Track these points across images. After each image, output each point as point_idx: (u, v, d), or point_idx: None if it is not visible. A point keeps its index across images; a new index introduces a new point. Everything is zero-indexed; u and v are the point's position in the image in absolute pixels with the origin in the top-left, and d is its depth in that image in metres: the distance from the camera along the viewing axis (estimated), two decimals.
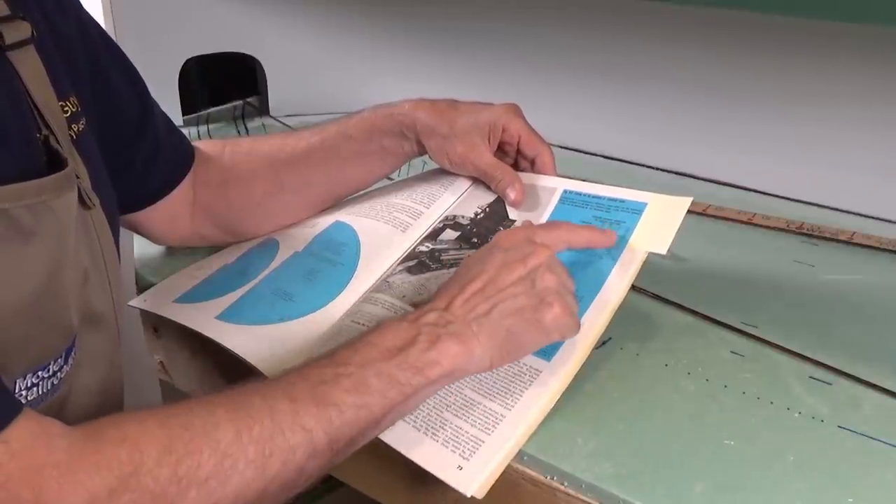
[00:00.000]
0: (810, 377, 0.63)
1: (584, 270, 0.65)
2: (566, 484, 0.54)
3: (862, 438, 0.56)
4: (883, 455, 0.55)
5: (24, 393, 0.49)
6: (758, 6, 0.83)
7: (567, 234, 0.63)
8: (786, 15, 0.85)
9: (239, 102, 1.29)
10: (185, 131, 0.80)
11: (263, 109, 1.29)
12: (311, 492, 1.12)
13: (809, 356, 0.65)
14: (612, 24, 1.08)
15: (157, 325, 0.80)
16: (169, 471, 0.44)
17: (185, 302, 0.74)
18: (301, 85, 1.28)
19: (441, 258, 0.71)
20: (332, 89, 1.26)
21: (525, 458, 0.55)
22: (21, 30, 0.53)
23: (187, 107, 1.21)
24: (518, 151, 0.75)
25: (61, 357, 0.52)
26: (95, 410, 0.57)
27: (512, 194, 0.73)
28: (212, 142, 0.83)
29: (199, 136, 1.20)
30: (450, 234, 0.73)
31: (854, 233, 0.87)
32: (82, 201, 0.55)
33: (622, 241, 0.66)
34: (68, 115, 0.57)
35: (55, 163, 0.52)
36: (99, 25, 0.68)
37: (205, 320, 0.70)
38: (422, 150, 0.76)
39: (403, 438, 0.56)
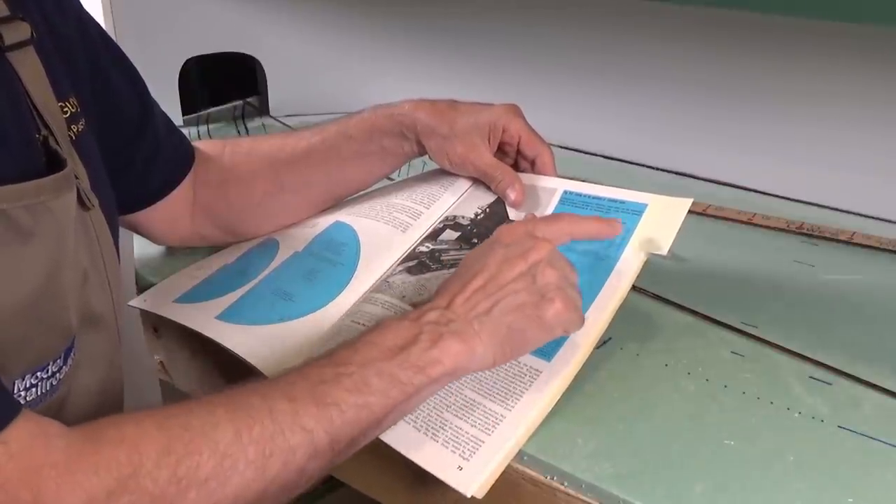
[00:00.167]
0: (810, 377, 0.63)
1: (584, 271, 0.65)
2: (566, 484, 0.54)
3: (862, 438, 0.56)
4: (883, 455, 0.55)
5: (22, 394, 0.49)
6: (758, 6, 0.83)
7: (569, 226, 0.62)
8: (786, 15, 0.85)
9: (239, 102, 1.29)
10: (185, 131, 0.80)
11: (263, 109, 1.29)
12: (311, 492, 1.12)
13: (809, 356, 0.65)
14: (612, 24, 1.08)
15: (157, 325, 0.80)
16: (168, 472, 0.44)
17: (185, 302, 0.74)
18: (301, 85, 1.28)
19: (441, 258, 0.71)
20: (332, 89, 1.26)
21: (525, 458, 0.55)
22: (20, 31, 0.53)
23: (187, 107, 1.21)
24: (518, 152, 0.75)
25: (60, 358, 0.52)
26: (95, 411, 0.57)
27: (512, 195, 0.73)
28: (212, 142, 0.83)
29: (199, 136, 1.20)
30: (450, 235, 0.73)
31: (854, 233, 0.87)
32: (81, 202, 0.55)
33: (623, 242, 0.66)
34: (67, 115, 0.57)
35: (54, 163, 0.52)
36: (99, 25, 0.68)
37: (205, 320, 0.70)
38: (422, 151, 0.76)
39: (404, 438, 0.56)
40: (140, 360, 0.81)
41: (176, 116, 1.17)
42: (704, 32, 1.00)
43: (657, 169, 1.07)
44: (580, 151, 1.13)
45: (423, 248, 0.72)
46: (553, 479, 0.54)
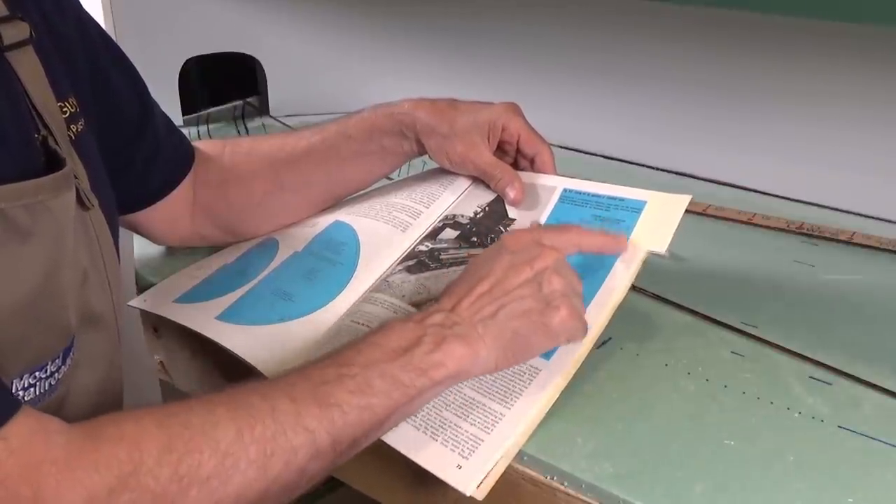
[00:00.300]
0: (810, 377, 0.63)
1: (583, 269, 0.65)
2: (566, 484, 0.54)
3: (862, 438, 0.56)
4: (883, 455, 0.55)
5: (21, 393, 0.49)
6: (758, 6, 0.83)
7: (577, 238, 0.62)
8: (786, 15, 0.85)
9: (239, 102, 1.29)
10: (185, 131, 0.80)
11: (263, 109, 1.29)
12: (311, 492, 1.12)
13: (809, 356, 0.65)
14: (612, 24, 1.08)
15: (157, 325, 0.80)
16: (169, 470, 0.44)
17: (184, 302, 0.74)
18: (301, 85, 1.28)
19: (440, 257, 0.71)
20: (332, 89, 1.26)
21: (525, 458, 0.55)
22: (19, 30, 0.53)
23: (187, 107, 1.21)
24: (518, 150, 0.75)
25: (59, 357, 0.51)
26: (94, 411, 0.57)
27: (511, 193, 0.73)
28: (212, 142, 0.83)
29: (199, 136, 1.20)
30: (449, 234, 0.73)
31: (854, 233, 0.87)
32: (81, 202, 0.55)
33: None
34: (67, 115, 0.57)
35: (53, 163, 0.52)
36: (98, 25, 0.68)
37: (204, 320, 0.70)
38: (422, 150, 0.76)
39: (403, 438, 0.56)
40: (140, 360, 0.80)
41: (176, 116, 1.17)
42: (704, 32, 1.00)
43: (657, 169, 1.07)
44: (580, 151, 1.13)
45: (422, 248, 0.72)
46: (553, 479, 0.54)
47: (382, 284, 0.69)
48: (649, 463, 0.54)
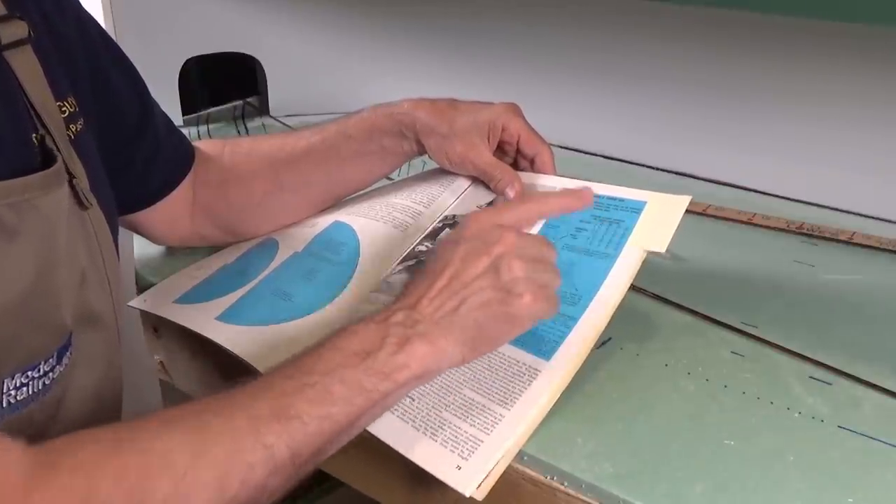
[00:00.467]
0: (810, 377, 0.63)
1: (582, 269, 0.65)
2: (566, 484, 0.54)
3: (862, 438, 0.56)
4: (883, 455, 0.55)
5: (13, 393, 0.49)
6: (758, 6, 0.83)
7: (537, 207, 0.61)
8: (786, 15, 0.85)
9: (239, 102, 1.30)
10: (185, 131, 0.80)
11: (263, 109, 1.29)
12: (310, 492, 1.12)
13: (809, 356, 0.65)
14: (612, 24, 1.08)
15: (157, 325, 0.80)
16: (125, 496, 0.43)
17: (184, 302, 0.74)
18: (301, 85, 1.28)
19: None
20: (332, 89, 1.26)
21: (525, 458, 0.55)
22: (17, 29, 0.53)
23: (187, 107, 1.21)
24: (518, 151, 0.75)
25: (52, 357, 0.51)
26: (92, 411, 0.57)
27: (511, 193, 0.72)
28: (212, 142, 0.83)
29: (199, 136, 1.20)
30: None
31: (854, 233, 0.87)
32: (79, 201, 0.55)
33: (622, 240, 0.66)
34: (66, 115, 0.57)
35: (49, 162, 0.52)
36: (98, 25, 0.68)
37: (204, 321, 0.70)
38: (421, 150, 0.76)
39: (402, 438, 0.56)
40: (140, 360, 0.81)
41: (176, 116, 1.17)
42: (704, 32, 1.00)
43: (657, 169, 1.07)
44: (580, 151, 1.13)
45: (422, 248, 0.72)
46: (553, 479, 0.54)
47: (382, 285, 0.69)
48: (649, 463, 0.54)
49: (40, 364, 0.50)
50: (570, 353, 0.60)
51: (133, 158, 0.71)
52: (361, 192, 0.82)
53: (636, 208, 0.67)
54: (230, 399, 0.50)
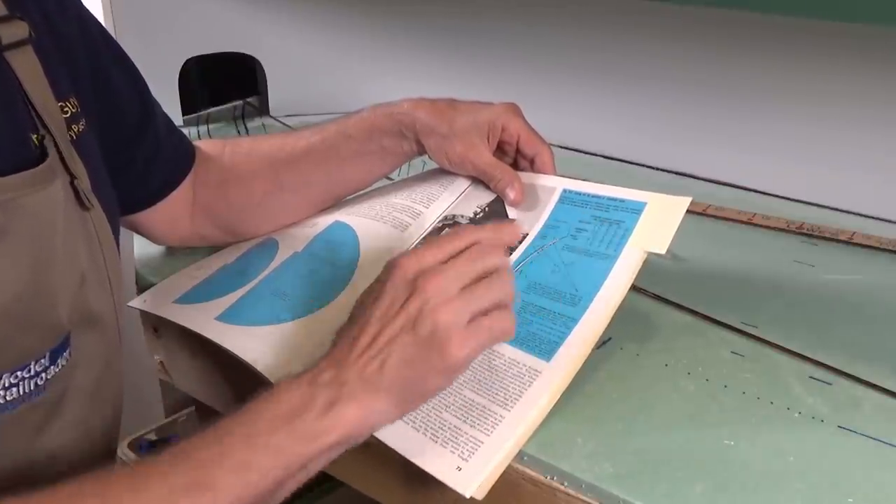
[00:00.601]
0: (810, 377, 0.63)
1: (582, 270, 0.65)
2: (566, 484, 0.54)
3: (862, 438, 0.56)
4: (883, 455, 0.55)
5: (2, 393, 0.49)
6: (758, 6, 0.83)
7: (461, 242, 0.56)
8: (786, 15, 0.85)
9: (239, 102, 1.30)
10: (185, 131, 0.79)
11: (263, 109, 1.29)
12: (310, 492, 1.12)
13: (809, 356, 0.65)
14: (612, 24, 1.08)
15: (157, 325, 0.80)
16: None
17: (184, 302, 0.74)
18: (301, 85, 1.28)
19: None
20: (332, 89, 1.26)
21: (525, 458, 0.55)
22: (18, 30, 0.53)
23: (187, 107, 1.21)
24: (517, 151, 0.75)
25: (45, 358, 0.51)
26: (91, 411, 0.57)
27: (511, 194, 0.73)
28: (212, 141, 0.83)
29: (199, 136, 1.20)
30: None
31: (854, 233, 0.87)
32: (81, 202, 0.55)
33: (622, 241, 0.66)
34: (68, 115, 0.57)
35: (44, 161, 0.52)
36: (99, 23, 0.68)
37: (204, 321, 0.70)
38: (421, 150, 0.76)
39: (402, 439, 0.56)
40: (140, 360, 0.81)
41: (176, 116, 1.17)
42: (704, 32, 1.00)
43: (657, 169, 1.07)
44: (580, 151, 1.13)
45: None
46: (553, 479, 0.54)
47: None
48: (649, 463, 0.54)
49: (31, 365, 0.50)
50: (570, 355, 0.60)
51: (134, 158, 0.71)
52: (361, 192, 0.82)
53: (636, 209, 0.67)
54: (147, 471, 0.48)
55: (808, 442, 0.56)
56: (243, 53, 1.25)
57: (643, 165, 1.09)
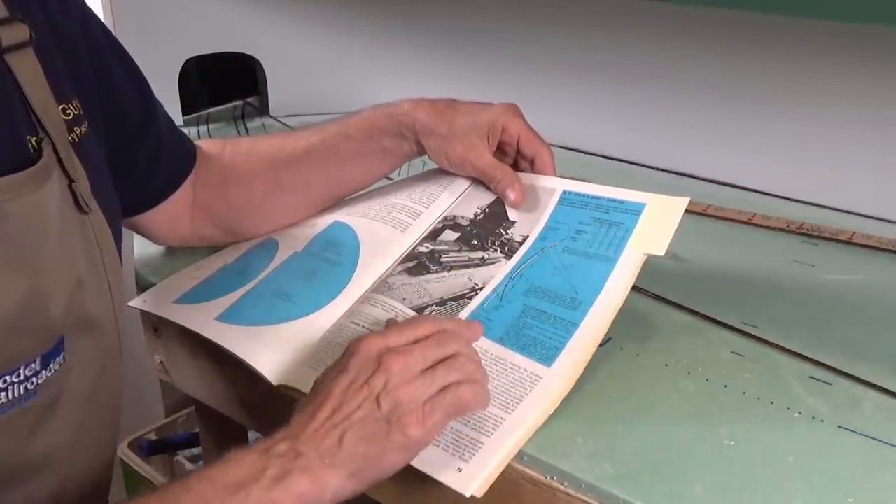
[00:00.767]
0: (810, 377, 0.63)
1: (582, 273, 0.65)
2: (566, 484, 0.54)
3: (862, 438, 0.56)
4: (883, 455, 0.55)
5: None
6: (758, 6, 0.83)
7: (429, 328, 0.57)
8: (786, 15, 0.85)
9: (239, 102, 1.30)
10: (185, 131, 0.79)
11: (263, 109, 1.29)
12: None
13: (809, 356, 0.65)
14: (612, 24, 1.08)
15: (157, 325, 0.80)
16: None
17: (184, 303, 0.74)
18: (301, 85, 1.28)
19: (441, 260, 0.71)
20: (332, 89, 1.26)
21: (525, 458, 0.55)
22: (19, 32, 0.53)
23: (187, 107, 1.21)
24: (517, 151, 0.75)
25: (35, 362, 0.51)
26: (87, 414, 0.57)
27: (511, 195, 0.72)
28: (212, 141, 0.83)
29: (199, 136, 1.20)
30: (450, 235, 0.73)
31: (854, 233, 0.87)
32: (78, 205, 0.55)
33: (622, 242, 0.66)
34: (70, 117, 0.57)
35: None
36: (101, 22, 0.68)
37: (204, 321, 0.70)
38: (421, 150, 0.76)
39: None
40: (140, 360, 0.81)
41: (176, 116, 1.17)
42: (704, 32, 1.00)
43: (657, 169, 1.07)
44: (580, 151, 1.13)
45: (422, 249, 0.72)
46: (553, 479, 0.54)
47: (382, 285, 0.69)
48: (649, 463, 0.54)
49: (20, 369, 0.50)
50: (571, 360, 0.60)
51: (136, 158, 0.71)
52: (361, 192, 0.82)
53: (636, 210, 0.67)
54: None
55: (808, 442, 0.56)
56: (243, 53, 1.25)
57: (643, 165, 1.09)
